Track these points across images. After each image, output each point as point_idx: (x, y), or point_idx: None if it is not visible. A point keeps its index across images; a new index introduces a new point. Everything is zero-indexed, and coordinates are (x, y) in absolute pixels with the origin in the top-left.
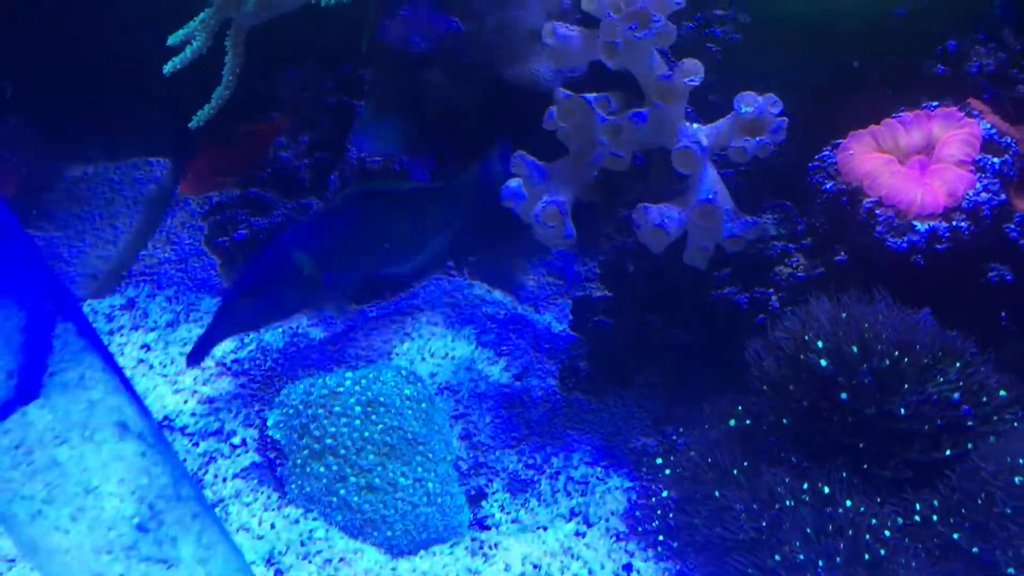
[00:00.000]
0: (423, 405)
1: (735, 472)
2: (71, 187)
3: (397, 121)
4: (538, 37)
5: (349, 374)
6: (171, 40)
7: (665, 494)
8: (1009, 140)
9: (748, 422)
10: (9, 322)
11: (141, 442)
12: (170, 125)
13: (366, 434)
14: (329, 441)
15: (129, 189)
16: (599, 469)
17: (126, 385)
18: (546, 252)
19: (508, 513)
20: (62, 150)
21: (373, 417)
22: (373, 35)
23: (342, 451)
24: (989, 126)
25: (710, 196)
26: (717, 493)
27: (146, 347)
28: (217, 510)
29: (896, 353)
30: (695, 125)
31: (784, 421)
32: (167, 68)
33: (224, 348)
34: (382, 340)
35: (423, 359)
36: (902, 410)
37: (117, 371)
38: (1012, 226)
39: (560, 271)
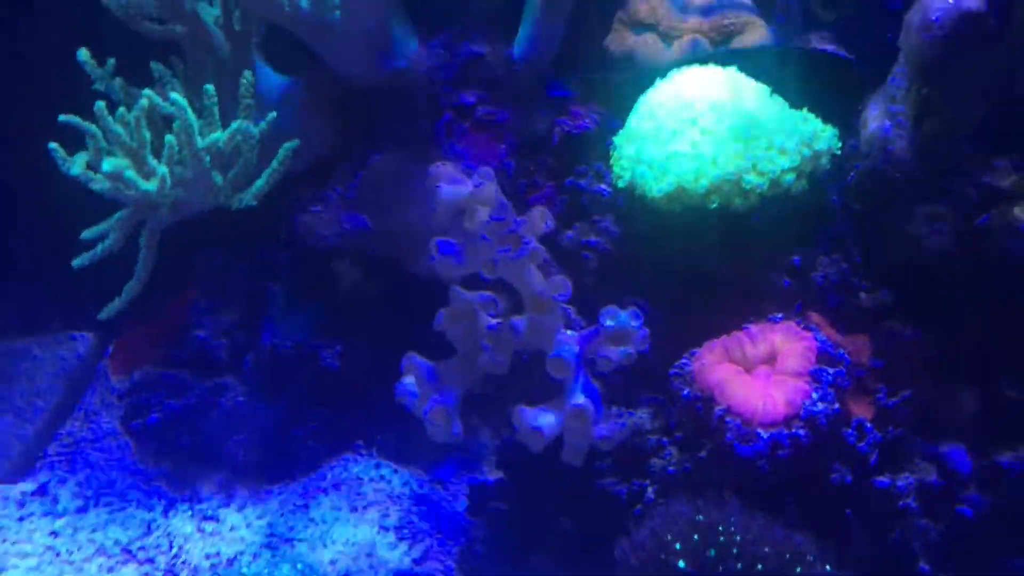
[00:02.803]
0: None
1: None
2: None
3: (308, 307)
4: (439, 235)
5: (245, 570)
6: (86, 235)
7: None
8: (842, 352)
9: None
10: None
11: None
12: (92, 299)
13: None
14: None
15: (51, 364)
16: None
17: None
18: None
19: None
20: None
21: None
22: (290, 225)
23: None
24: (825, 339)
25: (580, 402)
26: None
27: (54, 534)
28: None
29: (749, 557)
30: (570, 332)
31: None
32: (76, 263)
33: (131, 534)
34: (287, 525)
35: (325, 545)
36: None
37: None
38: (849, 431)
39: (467, 447)
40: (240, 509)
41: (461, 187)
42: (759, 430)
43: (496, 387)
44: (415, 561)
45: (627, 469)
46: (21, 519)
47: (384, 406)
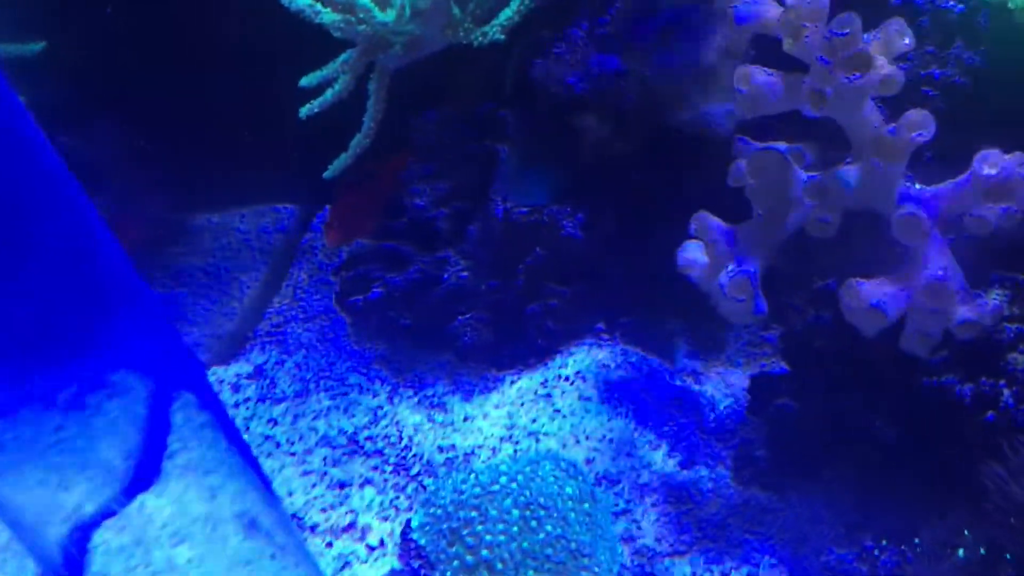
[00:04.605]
0: (586, 505)
1: None
2: (197, 238)
3: (545, 169)
4: (710, 76)
5: (503, 467)
6: (305, 81)
7: None
8: None
9: (983, 552)
10: (130, 395)
11: (269, 542)
12: (295, 169)
13: (525, 544)
14: (484, 552)
15: (256, 239)
16: None
17: (253, 466)
18: (704, 314)
19: None
20: (188, 197)
21: (532, 523)
22: (521, 74)
23: (499, 565)
24: None
25: (939, 273)
26: None
27: (273, 421)
28: None
29: None
30: (917, 186)
31: None
32: (304, 111)
33: (357, 422)
34: (529, 417)
35: (577, 441)
36: None
37: (243, 450)
38: None
39: (720, 334)
40: (470, 397)
41: (762, 7)
42: None
43: (792, 262)
44: (681, 464)
45: (973, 365)
46: (237, 405)
47: (631, 284)
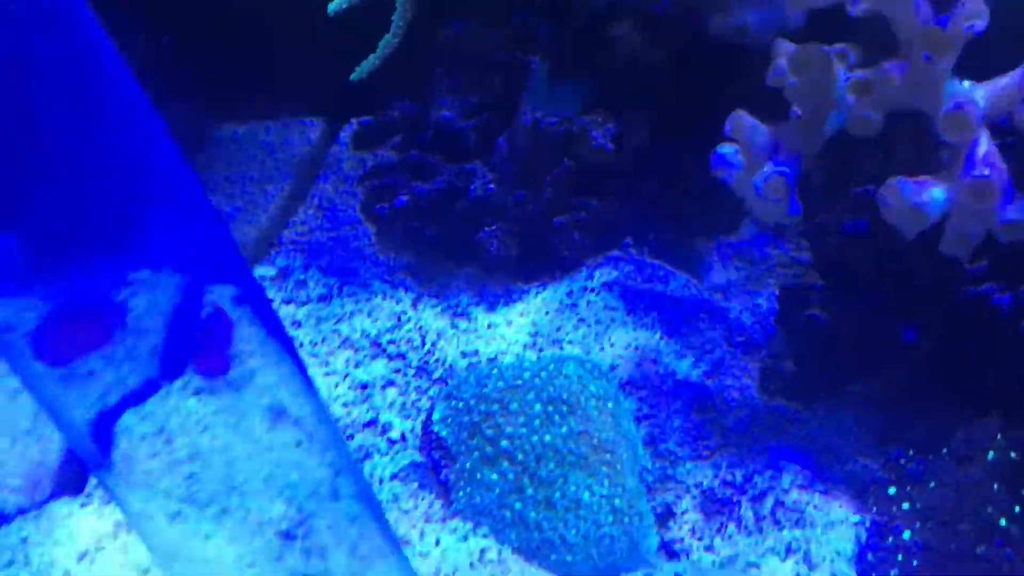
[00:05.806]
0: (609, 404)
1: (1003, 522)
2: (222, 148)
3: (577, 79)
4: None
5: (528, 363)
6: None
7: (907, 535)
8: None
9: (1013, 456)
10: (159, 288)
11: (297, 429)
12: (323, 81)
13: (547, 438)
14: (504, 444)
15: (281, 151)
16: (816, 495)
17: (293, 357)
18: (733, 231)
19: (701, 539)
20: (214, 108)
21: (556, 418)
22: None
23: (520, 456)
24: None
25: (985, 171)
26: (980, 549)
27: (296, 323)
28: None
29: None
30: (966, 83)
31: None
32: (332, 7)
33: (380, 326)
34: (553, 326)
35: (601, 348)
36: None
37: (283, 341)
38: None
39: (749, 254)
40: (494, 307)
41: None
42: None
43: (827, 167)
44: (706, 374)
45: (1013, 273)
46: None
47: (662, 198)
